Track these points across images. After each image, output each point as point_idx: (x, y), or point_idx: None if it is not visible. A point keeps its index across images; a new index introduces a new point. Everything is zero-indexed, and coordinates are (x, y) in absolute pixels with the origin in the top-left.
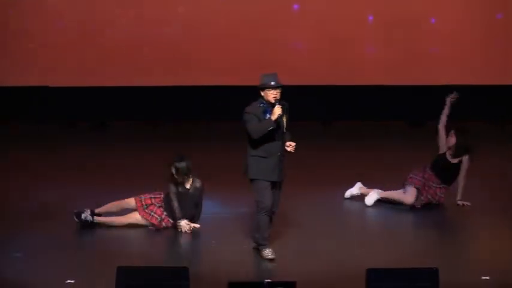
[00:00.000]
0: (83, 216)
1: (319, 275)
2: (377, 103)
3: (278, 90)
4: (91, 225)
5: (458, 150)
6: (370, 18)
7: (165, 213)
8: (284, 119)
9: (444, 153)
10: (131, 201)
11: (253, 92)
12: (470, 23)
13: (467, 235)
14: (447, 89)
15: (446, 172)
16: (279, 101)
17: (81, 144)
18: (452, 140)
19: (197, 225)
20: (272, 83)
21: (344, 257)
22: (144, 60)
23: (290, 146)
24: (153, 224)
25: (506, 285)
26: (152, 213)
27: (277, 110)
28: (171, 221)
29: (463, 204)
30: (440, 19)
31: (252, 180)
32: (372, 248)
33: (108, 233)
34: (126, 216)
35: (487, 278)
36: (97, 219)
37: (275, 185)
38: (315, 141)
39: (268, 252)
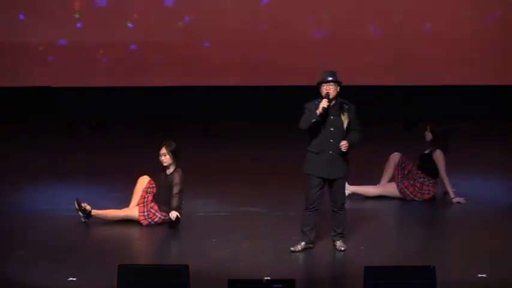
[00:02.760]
0: (83, 204)
1: (318, 272)
2: (371, 103)
3: (330, 85)
4: (87, 215)
5: (436, 140)
6: (368, 21)
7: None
8: (344, 119)
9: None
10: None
11: (256, 92)
12: (464, 24)
13: (464, 233)
14: (441, 89)
15: (422, 164)
16: (328, 99)
17: (81, 144)
18: (429, 135)
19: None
20: (325, 78)
21: (342, 254)
22: (144, 61)
23: (342, 144)
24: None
25: (503, 283)
26: (153, 218)
27: (322, 104)
28: (164, 215)
29: (458, 202)
30: (434, 20)
31: (305, 174)
32: (369, 246)
33: (109, 231)
34: (122, 210)
35: (484, 275)
36: (94, 212)
37: (331, 183)
38: None
39: (295, 246)
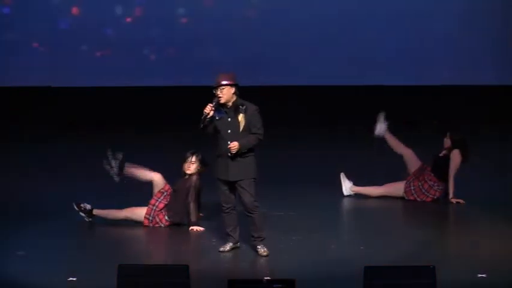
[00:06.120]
0: (82, 204)
1: (318, 272)
2: (371, 103)
3: (222, 90)
4: (89, 214)
5: (455, 147)
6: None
7: (166, 215)
8: (241, 120)
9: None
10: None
11: (258, 92)
12: (465, 24)
13: (464, 233)
14: (441, 89)
15: (436, 166)
16: (217, 103)
17: (81, 144)
18: (448, 142)
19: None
20: (216, 82)
21: (342, 255)
22: (144, 61)
23: (230, 146)
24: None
25: (503, 283)
26: (154, 224)
27: (205, 109)
28: (167, 224)
29: (457, 202)
30: (435, 20)
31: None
32: (369, 246)
33: (109, 231)
34: (123, 210)
35: (484, 276)
36: (95, 211)
37: (237, 186)
38: (311, 140)
39: (224, 247)
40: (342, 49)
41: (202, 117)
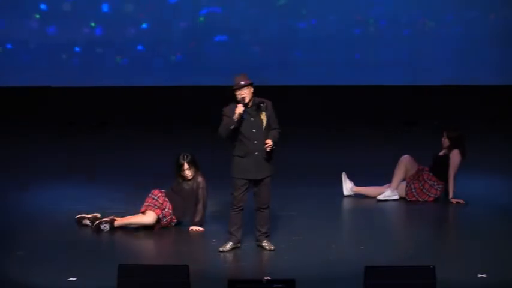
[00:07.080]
0: (83, 222)
1: (318, 272)
2: (371, 102)
3: (244, 90)
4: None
5: (453, 145)
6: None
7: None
8: (263, 118)
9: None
10: (150, 216)
11: (264, 92)
12: (465, 24)
13: (464, 233)
14: (441, 89)
15: (436, 165)
16: (244, 103)
17: (81, 144)
18: (446, 141)
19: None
20: (238, 84)
21: (343, 255)
22: (144, 60)
23: (267, 144)
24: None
25: (503, 282)
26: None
27: (237, 110)
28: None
29: (457, 202)
30: (435, 19)
31: (232, 177)
32: (370, 246)
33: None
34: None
35: (484, 275)
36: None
37: (258, 183)
38: (311, 140)
39: (223, 246)
40: (342, 49)
41: (236, 119)
